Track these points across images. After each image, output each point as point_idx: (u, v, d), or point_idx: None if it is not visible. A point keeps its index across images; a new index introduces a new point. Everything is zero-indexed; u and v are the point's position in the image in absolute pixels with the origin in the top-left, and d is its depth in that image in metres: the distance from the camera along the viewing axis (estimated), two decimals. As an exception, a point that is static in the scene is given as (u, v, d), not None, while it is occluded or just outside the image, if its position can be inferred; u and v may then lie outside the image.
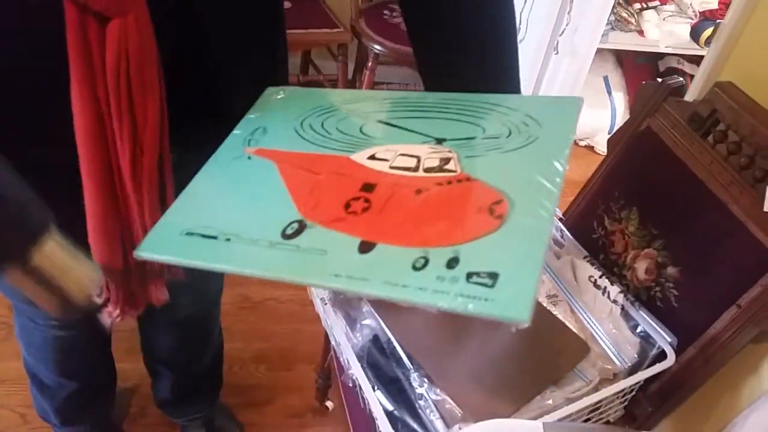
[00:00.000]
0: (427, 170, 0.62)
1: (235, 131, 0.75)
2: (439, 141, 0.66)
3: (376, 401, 0.93)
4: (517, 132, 0.64)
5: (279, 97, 0.80)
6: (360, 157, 0.66)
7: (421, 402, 0.95)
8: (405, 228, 0.56)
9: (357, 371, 0.96)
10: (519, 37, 2.04)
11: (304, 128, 0.72)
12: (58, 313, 0.52)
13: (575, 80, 2.05)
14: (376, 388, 0.97)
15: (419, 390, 0.95)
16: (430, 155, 0.64)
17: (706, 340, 0.98)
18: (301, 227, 0.59)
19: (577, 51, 1.98)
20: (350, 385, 1.02)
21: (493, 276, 0.49)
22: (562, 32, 1.93)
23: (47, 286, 0.52)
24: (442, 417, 0.93)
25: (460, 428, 0.90)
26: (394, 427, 0.92)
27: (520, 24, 2.01)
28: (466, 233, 0.54)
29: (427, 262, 0.52)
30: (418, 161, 0.63)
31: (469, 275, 0.50)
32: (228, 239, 0.60)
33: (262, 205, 0.64)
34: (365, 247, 0.55)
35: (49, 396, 1.33)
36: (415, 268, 0.52)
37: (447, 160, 0.63)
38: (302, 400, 1.75)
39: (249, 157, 0.70)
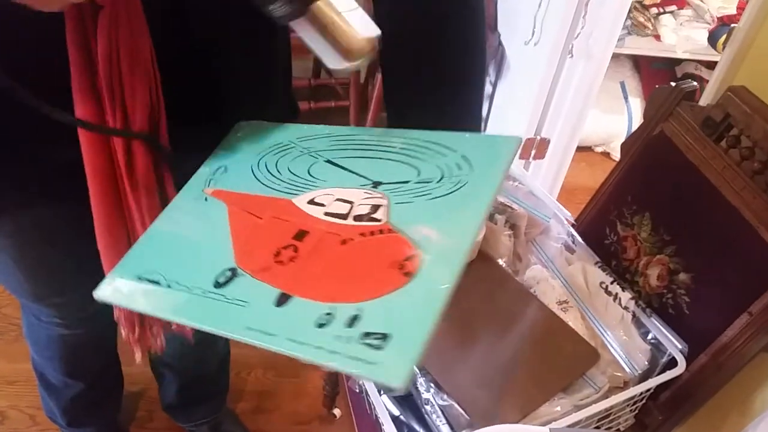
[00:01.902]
0: (356, 218, 0.60)
1: (201, 169, 0.73)
2: (376, 184, 0.64)
3: (383, 406, 0.93)
4: (449, 176, 0.62)
5: (245, 132, 0.78)
6: (301, 201, 0.65)
7: (428, 407, 0.94)
8: (321, 281, 0.55)
9: (362, 376, 0.96)
10: (534, 40, 2.03)
11: (260, 168, 0.71)
12: (335, 64, 0.62)
13: (590, 84, 2.02)
14: (382, 392, 0.96)
15: (426, 395, 0.94)
16: (362, 201, 0.62)
17: (718, 348, 0.97)
18: (233, 276, 0.58)
19: (593, 55, 1.96)
20: (357, 390, 1.02)
21: (384, 338, 0.48)
22: (577, 36, 1.92)
23: (324, 35, 0.59)
24: (448, 422, 0.93)
25: (465, 434, 0.89)
26: (399, 433, 0.91)
27: (534, 27, 2.00)
28: (373, 290, 0.53)
29: (331, 319, 0.51)
30: (351, 208, 0.62)
31: (363, 335, 0.49)
32: (169, 285, 0.60)
33: (204, 250, 0.63)
34: (282, 300, 0.54)
35: (55, 396, 1.34)
36: (319, 325, 0.51)
37: (377, 208, 0.61)
38: (309, 407, 1.75)
39: (206, 198, 0.69)
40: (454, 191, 0.60)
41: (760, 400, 0.98)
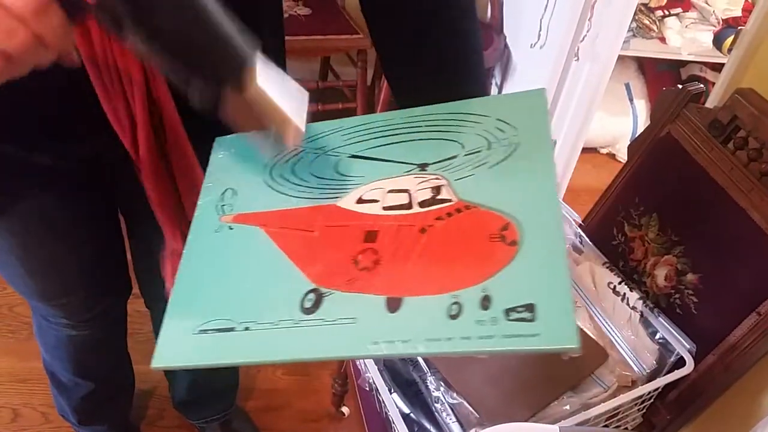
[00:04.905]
0: (421, 204, 0.58)
1: (200, 201, 0.68)
2: (422, 167, 0.62)
3: (393, 404, 0.93)
4: (496, 141, 0.61)
5: (231, 148, 0.72)
6: (347, 202, 0.62)
7: (438, 405, 0.95)
8: (424, 275, 0.53)
9: (374, 374, 0.96)
10: (539, 42, 2.04)
11: (275, 179, 0.67)
12: (268, 151, 0.61)
13: (596, 87, 2.03)
14: (392, 390, 0.97)
15: (436, 393, 0.95)
16: (419, 186, 0.60)
17: (726, 348, 0.97)
18: (319, 297, 0.55)
19: (598, 57, 1.97)
20: (367, 388, 1.03)
21: (531, 308, 0.48)
22: (583, 38, 1.92)
23: (258, 121, 0.57)
24: (458, 420, 0.93)
25: (476, 432, 0.90)
26: (410, 430, 0.92)
27: (540, 30, 2.01)
28: (487, 267, 0.51)
29: (461, 307, 0.50)
30: (410, 196, 0.59)
31: (507, 312, 0.48)
32: (246, 328, 0.55)
33: (268, 280, 0.59)
34: (393, 305, 0.52)
35: (66, 395, 1.35)
36: (451, 316, 0.50)
37: (438, 189, 0.59)
38: (318, 405, 1.75)
39: (230, 227, 0.64)
40: (511, 154, 0.59)
41: (768, 400, 0.99)
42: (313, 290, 0.56)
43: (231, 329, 0.55)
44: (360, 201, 0.61)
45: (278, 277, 0.58)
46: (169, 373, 1.54)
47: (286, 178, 0.67)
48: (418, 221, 0.57)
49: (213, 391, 1.54)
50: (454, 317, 0.50)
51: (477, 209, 0.56)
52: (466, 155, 0.62)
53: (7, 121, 0.71)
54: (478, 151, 0.61)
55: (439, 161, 0.62)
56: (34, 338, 1.26)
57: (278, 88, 0.59)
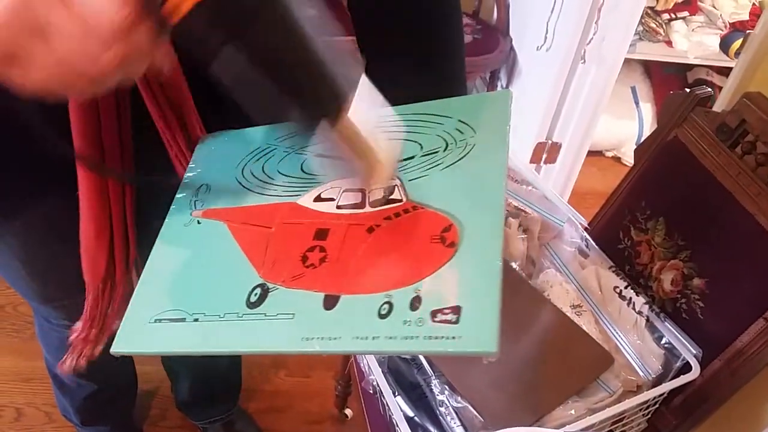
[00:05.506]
0: (373, 204, 0.59)
1: (179, 194, 0.70)
2: None
3: (397, 407, 0.93)
4: (453, 143, 0.61)
5: (210, 146, 0.74)
6: (306, 200, 0.62)
7: (442, 409, 0.94)
8: (364, 274, 0.54)
9: (378, 376, 0.96)
10: (546, 45, 2.03)
11: (246, 177, 0.68)
12: (365, 181, 0.58)
13: (602, 90, 2.02)
14: (396, 393, 0.96)
15: (440, 397, 0.95)
16: (373, 187, 0.60)
17: (732, 353, 0.97)
18: (264, 292, 0.56)
19: (605, 60, 1.96)
20: (370, 391, 1.02)
21: (456, 310, 0.48)
22: (590, 41, 1.92)
23: (349, 154, 0.55)
24: (462, 424, 0.93)
25: (480, 436, 0.90)
26: (414, 434, 0.91)
27: (546, 33, 2.01)
28: (423, 268, 0.52)
29: (391, 307, 0.50)
30: (363, 196, 0.60)
31: (433, 314, 0.48)
32: (196, 319, 0.56)
33: (222, 274, 0.60)
34: (330, 302, 0.53)
35: (69, 396, 1.35)
36: (380, 316, 0.50)
37: (391, 189, 0.59)
38: (321, 407, 1.75)
39: (198, 222, 0.66)
40: (465, 155, 0.60)
41: (775, 406, 0.98)
42: (260, 285, 0.57)
43: (182, 320, 0.57)
44: (317, 199, 0.62)
45: (232, 271, 0.60)
46: (172, 374, 1.54)
47: (256, 176, 0.68)
48: (367, 221, 0.58)
49: (216, 391, 1.54)
50: (383, 317, 0.50)
51: (424, 210, 0.57)
52: (422, 156, 0.62)
53: (16, 120, 0.71)
54: (435, 152, 0.62)
55: (397, 162, 0.62)
56: (36, 338, 1.26)
57: (371, 124, 0.57)
